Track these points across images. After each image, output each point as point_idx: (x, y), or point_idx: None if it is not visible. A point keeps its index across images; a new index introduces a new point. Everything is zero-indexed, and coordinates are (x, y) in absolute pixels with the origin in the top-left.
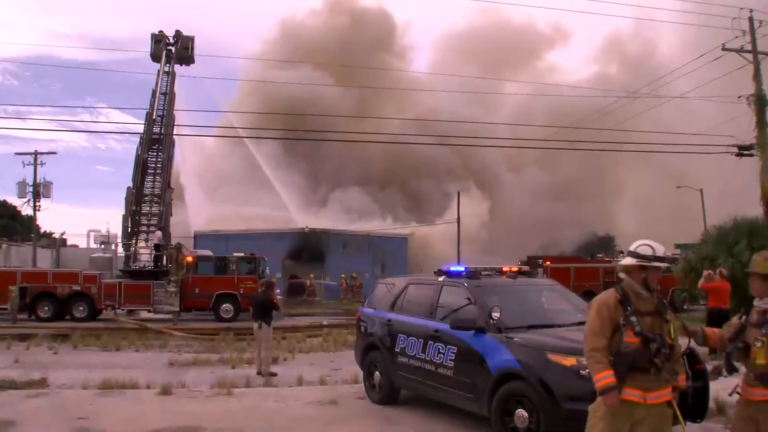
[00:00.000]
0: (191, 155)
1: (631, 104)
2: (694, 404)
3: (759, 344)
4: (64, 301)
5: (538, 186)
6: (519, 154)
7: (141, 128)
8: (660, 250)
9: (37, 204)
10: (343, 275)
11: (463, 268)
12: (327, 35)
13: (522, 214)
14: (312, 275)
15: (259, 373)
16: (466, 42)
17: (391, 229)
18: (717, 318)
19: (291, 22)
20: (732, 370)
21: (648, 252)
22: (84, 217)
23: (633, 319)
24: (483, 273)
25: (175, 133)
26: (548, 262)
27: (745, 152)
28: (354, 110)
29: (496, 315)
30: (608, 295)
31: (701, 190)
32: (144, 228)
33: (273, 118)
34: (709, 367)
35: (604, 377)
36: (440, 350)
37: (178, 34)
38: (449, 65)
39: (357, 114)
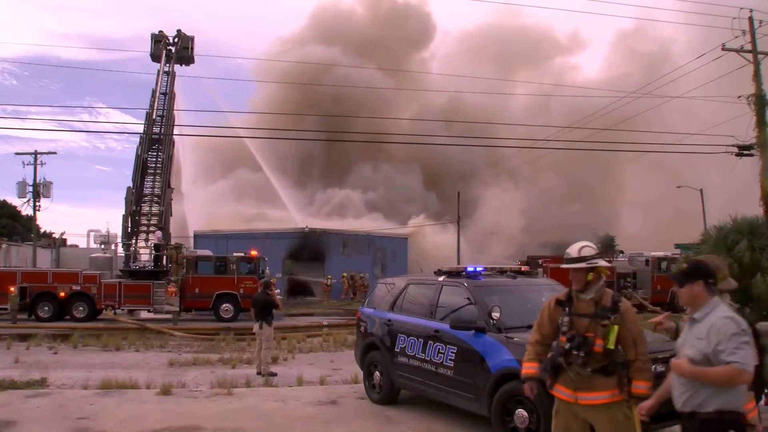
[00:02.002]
0: (193, 154)
1: (635, 105)
2: None
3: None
4: (64, 301)
5: (550, 186)
6: (529, 153)
7: (141, 128)
8: (572, 252)
9: (37, 204)
10: (345, 274)
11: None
12: (352, 29)
13: (532, 214)
14: (329, 276)
15: (259, 373)
16: (480, 41)
17: (392, 228)
18: None
19: (318, 15)
20: None
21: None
22: (84, 217)
23: (566, 319)
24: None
25: (175, 133)
26: (548, 262)
27: (745, 152)
28: (371, 106)
29: (496, 315)
30: (555, 296)
31: (701, 190)
32: (144, 228)
33: (296, 115)
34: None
35: (525, 368)
36: (440, 350)
37: (178, 33)
38: (462, 63)
39: (380, 111)
